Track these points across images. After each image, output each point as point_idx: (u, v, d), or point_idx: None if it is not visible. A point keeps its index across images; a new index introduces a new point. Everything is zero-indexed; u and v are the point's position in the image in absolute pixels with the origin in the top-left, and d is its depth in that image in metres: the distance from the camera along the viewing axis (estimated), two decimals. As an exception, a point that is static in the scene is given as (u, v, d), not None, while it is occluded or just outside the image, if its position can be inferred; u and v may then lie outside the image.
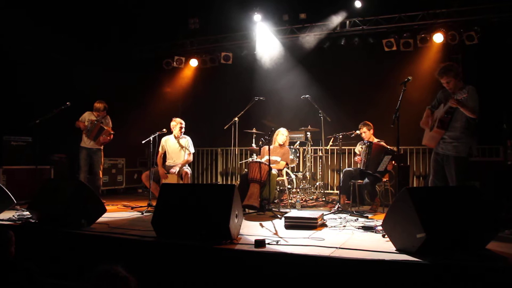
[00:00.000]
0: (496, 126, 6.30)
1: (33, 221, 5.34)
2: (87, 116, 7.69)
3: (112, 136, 7.66)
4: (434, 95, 5.43)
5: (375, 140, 7.20)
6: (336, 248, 3.89)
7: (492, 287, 3.14)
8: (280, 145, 7.57)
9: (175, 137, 7.61)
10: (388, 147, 6.77)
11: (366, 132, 7.26)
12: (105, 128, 7.58)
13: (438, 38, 9.09)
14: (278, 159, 7.26)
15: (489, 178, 6.18)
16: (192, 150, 7.65)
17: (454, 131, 5.01)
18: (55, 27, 8.62)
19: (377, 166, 6.67)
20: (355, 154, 7.81)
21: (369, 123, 7.32)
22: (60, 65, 9.01)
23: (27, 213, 5.68)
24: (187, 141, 7.63)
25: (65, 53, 8.88)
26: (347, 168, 7.21)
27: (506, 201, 5.39)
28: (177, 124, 7.58)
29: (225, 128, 8.45)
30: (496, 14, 8.67)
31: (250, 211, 6.46)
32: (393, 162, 6.66)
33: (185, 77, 11.68)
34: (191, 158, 7.68)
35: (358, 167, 7.07)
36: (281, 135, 7.59)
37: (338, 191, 7.28)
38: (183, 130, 7.61)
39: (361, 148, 7.11)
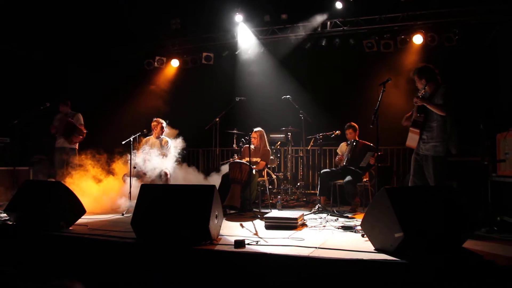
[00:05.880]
0: (473, 126, 6.38)
1: (10, 223, 5.26)
2: (58, 117, 7.68)
3: (84, 134, 7.61)
4: (414, 96, 5.48)
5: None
6: (316, 248, 3.92)
7: (469, 285, 3.19)
8: (263, 146, 7.52)
9: (156, 138, 7.56)
10: (371, 144, 6.86)
11: (352, 133, 7.29)
12: (73, 123, 7.52)
13: (417, 39, 9.19)
14: (258, 160, 7.25)
15: (467, 177, 6.28)
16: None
17: (431, 131, 5.08)
18: (35, 27, 8.50)
19: (360, 162, 6.81)
20: (336, 154, 7.83)
21: (355, 124, 7.31)
22: (39, 66, 8.88)
23: (4, 215, 5.59)
24: (167, 142, 7.55)
25: (45, 53, 8.75)
26: (324, 170, 7.15)
27: (483, 200, 5.47)
28: (157, 124, 7.53)
29: (206, 128, 8.42)
30: (474, 16, 8.81)
31: (231, 211, 6.46)
32: (375, 154, 6.76)
33: (166, 77, 11.59)
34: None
35: (339, 167, 7.12)
36: (252, 137, 7.33)
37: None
38: (164, 130, 7.56)
39: (346, 146, 7.20)
